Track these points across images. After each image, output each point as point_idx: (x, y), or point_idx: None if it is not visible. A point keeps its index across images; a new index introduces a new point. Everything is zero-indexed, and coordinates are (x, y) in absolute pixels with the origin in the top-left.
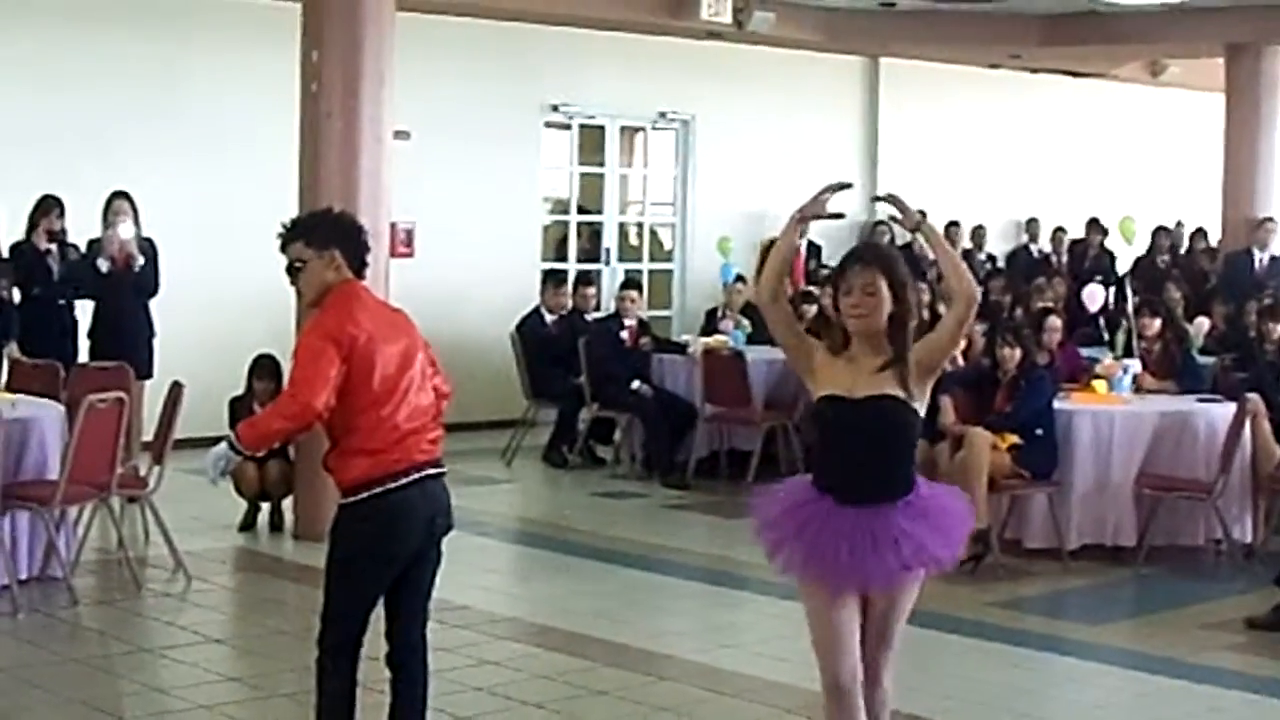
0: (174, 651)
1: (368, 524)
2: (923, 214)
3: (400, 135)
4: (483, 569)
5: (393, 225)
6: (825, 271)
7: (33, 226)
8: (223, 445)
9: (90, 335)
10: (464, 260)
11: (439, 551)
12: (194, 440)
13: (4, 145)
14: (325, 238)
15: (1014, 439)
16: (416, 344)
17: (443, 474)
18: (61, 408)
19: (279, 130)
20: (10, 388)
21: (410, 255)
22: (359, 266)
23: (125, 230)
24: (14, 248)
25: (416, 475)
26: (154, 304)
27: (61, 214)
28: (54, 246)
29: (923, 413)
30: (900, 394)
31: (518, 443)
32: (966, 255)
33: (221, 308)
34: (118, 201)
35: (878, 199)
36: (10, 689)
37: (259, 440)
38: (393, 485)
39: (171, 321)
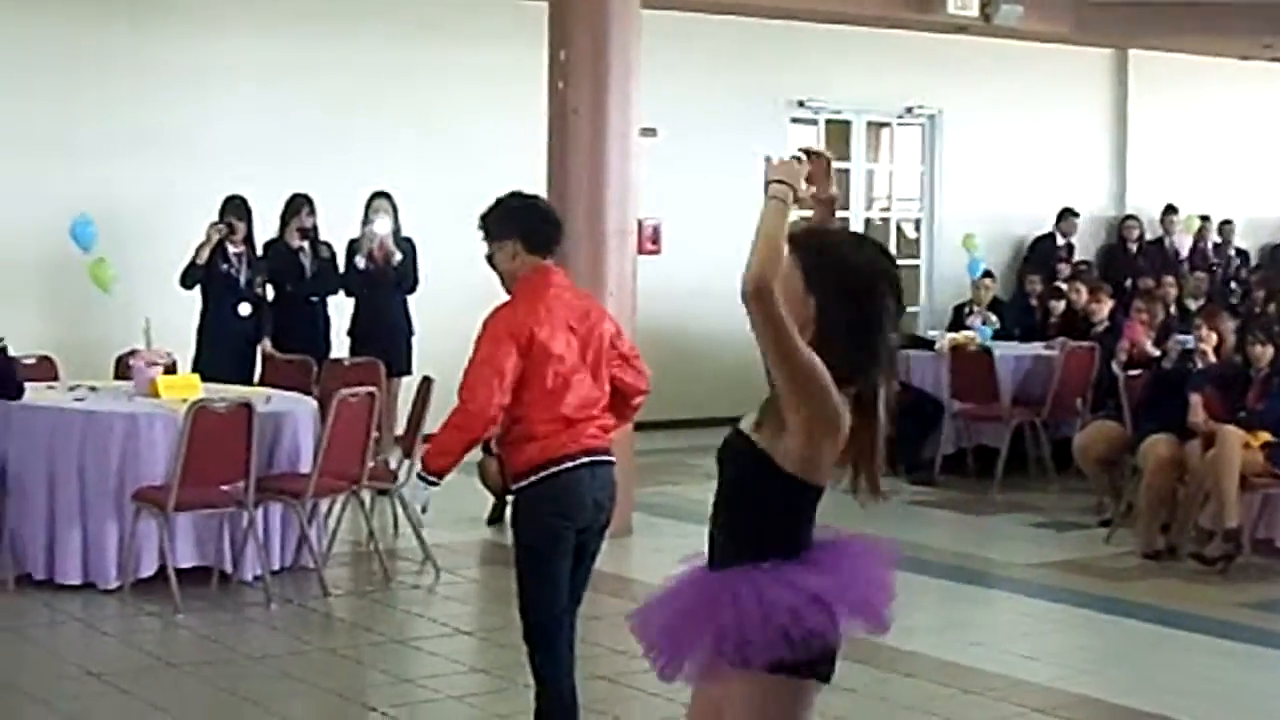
0: (423, 642)
1: (541, 504)
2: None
3: (647, 132)
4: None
5: (640, 222)
6: (1070, 269)
7: (284, 225)
8: (413, 480)
9: (350, 332)
10: (710, 257)
11: (600, 540)
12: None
13: (259, 145)
14: (500, 229)
15: (1266, 437)
16: (602, 334)
17: (610, 463)
18: (314, 402)
19: (528, 127)
20: (264, 382)
21: (657, 252)
22: (544, 249)
23: (383, 227)
24: (267, 246)
25: (585, 459)
26: (412, 301)
27: (312, 212)
28: (306, 244)
29: (803, 474)
30: (759, 440)
31: None
32: (1216, 250)
33: (478, 305)
34: (378, 200)
35: (807, 152)
36: (263, 677)
37: (445, 461)
38: (558, 468)
39: (430, 318)
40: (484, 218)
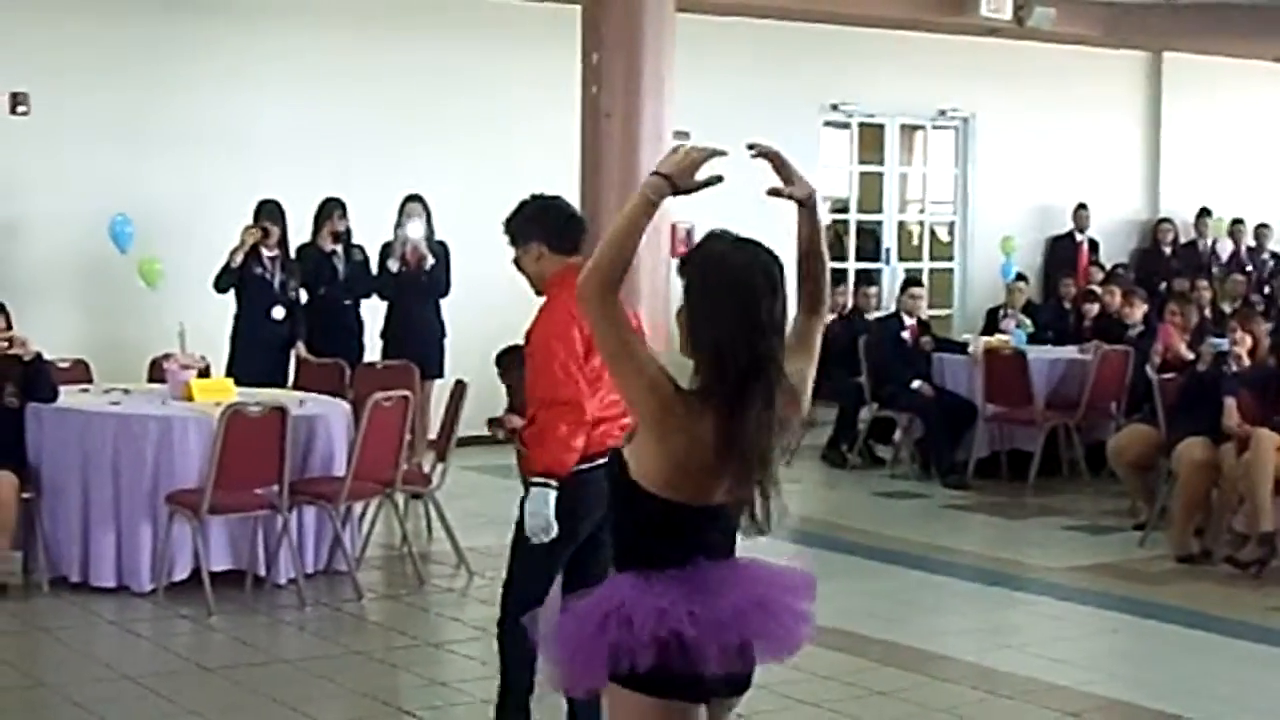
0: (456, 646)
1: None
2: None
3: (680, 135)
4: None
5: (673, 225)
6: (1103, 272)
7: (318, 228)
8: (538, 496)
9: (382, 335)
10: None
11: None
12: (478, 438)
13: (291, 149)
14: (524, 232)
15: None
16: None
17: None
18: (347, 405)
19: (560, 131)
20: (298, 385)
21: None
22: (569, 247)
23: (415, 231)
24: (300, 249)
25: (602, 460)
26: (445, 305)
27: (344, 215)
28: (339, 247)
29: (660, 489)
30: (626, 449)
31: (799, 442)
32: (1251, 253)
33: (510, 309)
34: (411, 204)
35: (751, 147)
36: (296, 680)
37: (566, 462)
38: (579, 468)
39: (463, 322)
40: (507, 223)
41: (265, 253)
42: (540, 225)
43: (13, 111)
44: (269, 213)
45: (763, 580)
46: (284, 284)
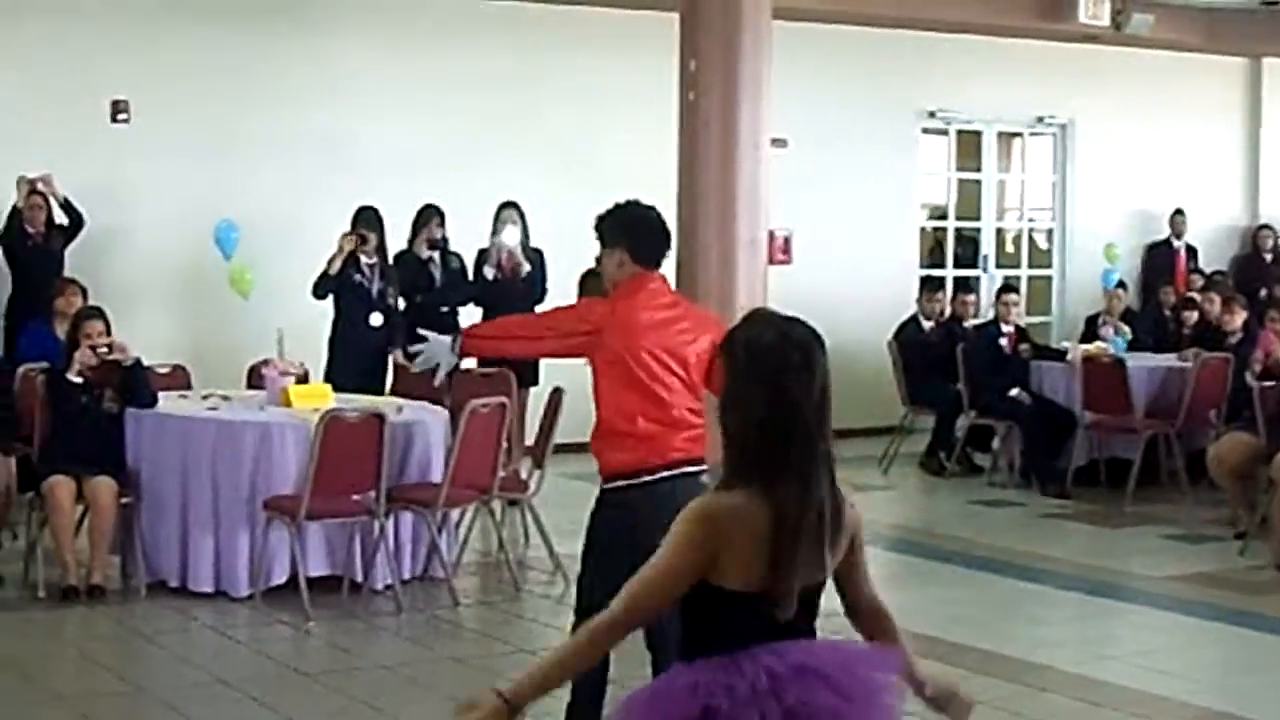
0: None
1: (620, 512)
2: None
3: (777, 143)
4: None
5: (770, 233)
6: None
7: (415, 235)
8: (441, 339)
9: None
10: (841, 267)
11: None
12: (575, 445)
13: (390, 157)
14: (612, 235)
15: None
16: (702, 346)
17: (700, 472)
18: (445, 412)
19: (658, 139)
20: (395, 392)
21: (788, 262)
22: (650, 261)
23: (511, 238)
24: (398, 256)
25: (668, 472)
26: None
27: (442, 223)
28: (436, 255)
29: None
30: None
31: (895, 450)
32: None
33: None
34: (506, 210)
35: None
36: (392, 686)
37: (482, 343)
38: (647, 479)
39: None
40: (599, 221)
41: (363, 260)
42: (629, 233)
43: (113, 119)
44: (366, 220)
45: (816, 651)
46: (382, 291)
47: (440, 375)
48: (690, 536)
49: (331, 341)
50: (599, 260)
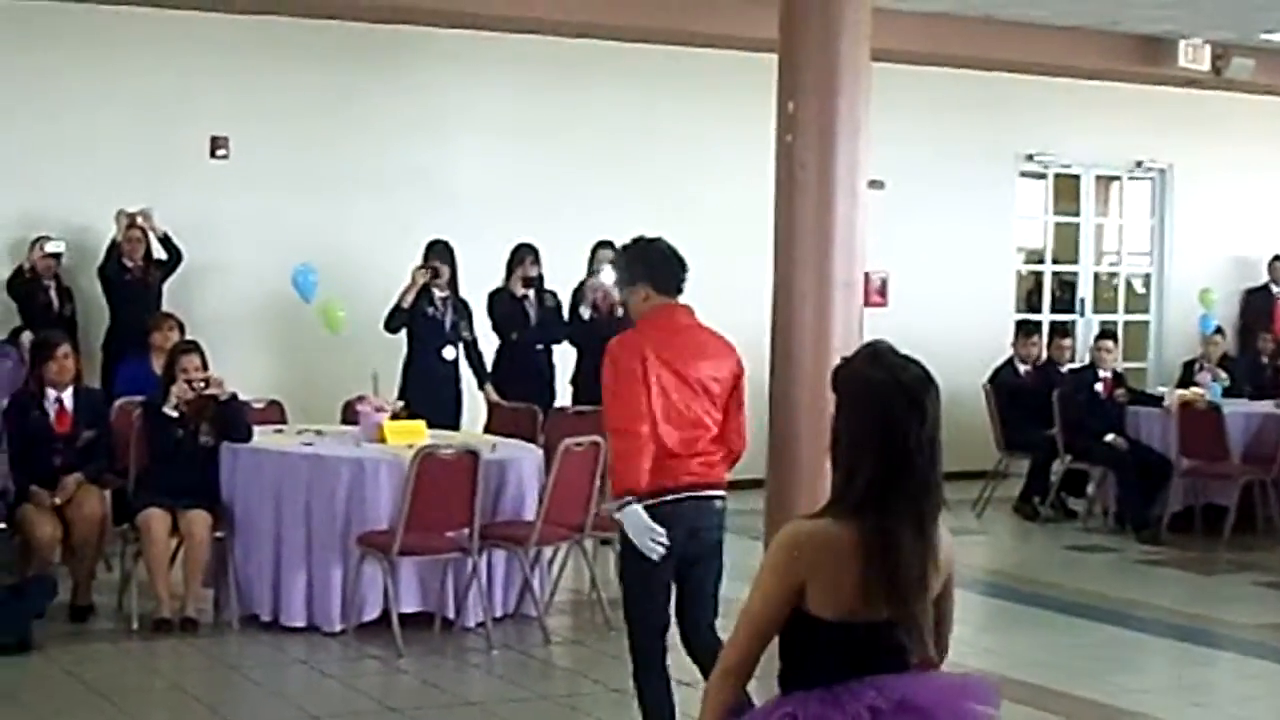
0: None
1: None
2: None
3: (874, 185)
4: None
5: (866, 275)
6: None
7: (510, 273)
8: (627, 514)
9: (573, 381)
10: (937, 310)
11: (720, 559)
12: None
13: (485, 195)
14: (632, 274)
15: None
16: (721, 375)
17: (715, 496)
18: (539, 450)
19: (754, 179)
20: (489, 430)
21: (884, 305)
22: (672, 289)
23: (608, 277)
24: (492, 295)
25: (675, 496)
26: None
27: (536, 261)
28: (530, 293)
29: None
30: None
31: (989, 494)
32: None
33: None
34: (602, 250)
35: None
36: None
37: (634, 483)
38: (651, 502)
39: None
40: (615, 263)
41: (436, 293)
42: (647, 267)
43: (212, 155)
44: (439, 252)
45: (915, 684)
46: (455, 324)
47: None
48: (776, 562)
49: (405, 375)
50: (623, 303)
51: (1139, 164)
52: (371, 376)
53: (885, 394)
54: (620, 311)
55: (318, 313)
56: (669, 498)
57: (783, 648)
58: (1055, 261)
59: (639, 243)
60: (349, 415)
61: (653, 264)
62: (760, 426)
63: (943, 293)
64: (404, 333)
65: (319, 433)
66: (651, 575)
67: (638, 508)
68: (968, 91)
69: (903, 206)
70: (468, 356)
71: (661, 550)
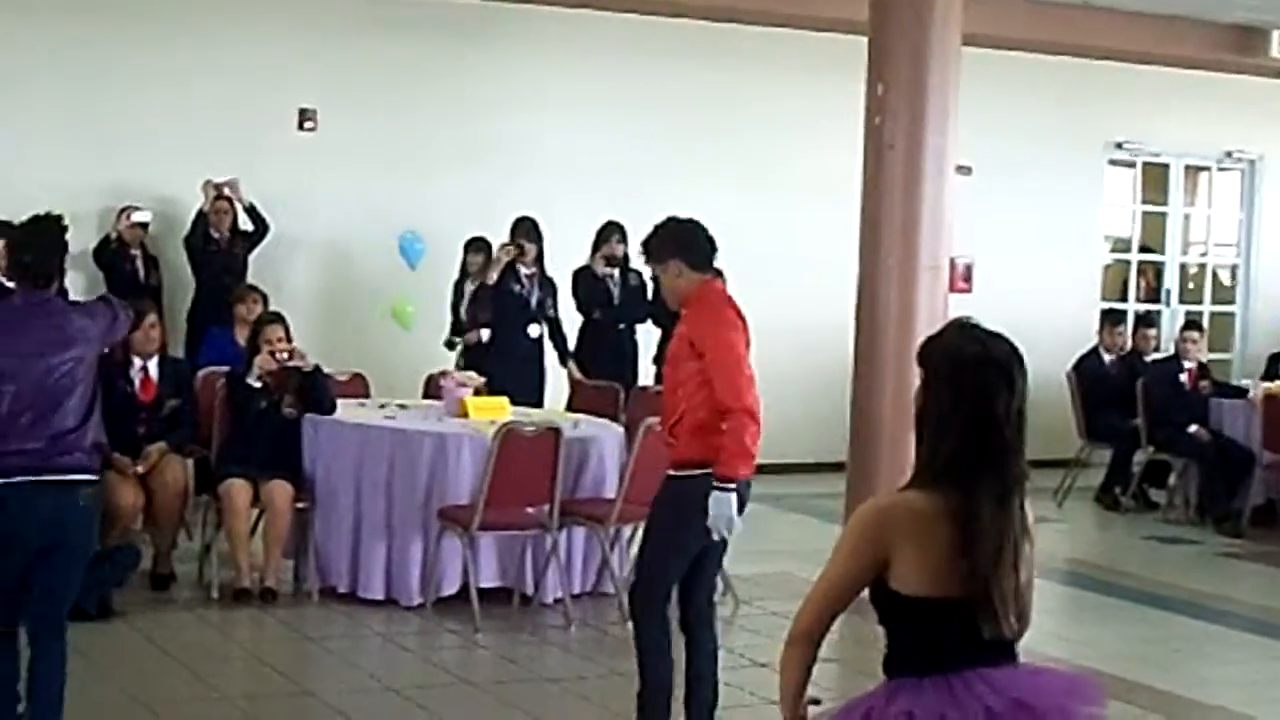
0: (721, 674)
1: (695, 498)
2: None
3: (962, 170)
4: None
5: (952, 260)
6: None
7: (594, 251)
8: (723, 499)
9: (655, 360)
10: (1022, 297)
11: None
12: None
13: (573, 172)
14: (661, 252)
15: None
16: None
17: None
18: (620, 429)
19: (841, 162)
20: (572, 407)
21: (968, 291)
22: (706, 264)
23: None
24: (577, 272)
25: (709, 469)
26: None
27: (623, 239)
28: (614, 271)
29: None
30: None
31: (1070, 483)
32: None
33: (784, 335)
34: None
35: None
36: (560, 700)
37: (745, 463)
38: (695, 471)
39: None
40: (646, 242)
41: (522, 270)
42: (683, 247)
43: (300, 127)
44: (525, 230)
45: (1029, 684)
46: (541, 301)
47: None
48: (857, 537)
49: (489, 351)
50: (655, 278)
51: (1228, 154)
52: (456, 352)
53: (977, 365)
54: None
55: (391, 311)
56: (703, 469)
57: (889, 630)
58: (1142, 251)
59: (667, 223)
60: (431, 390)
61: (684, 242)
62: (841, 409)
63: (1028, 280)
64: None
65: (402, 406)
66: (687, 546)
67: (733, 497)
68: (1057, 77)
69: (990, 192)
70: (551, 334)
71: (729, 537)
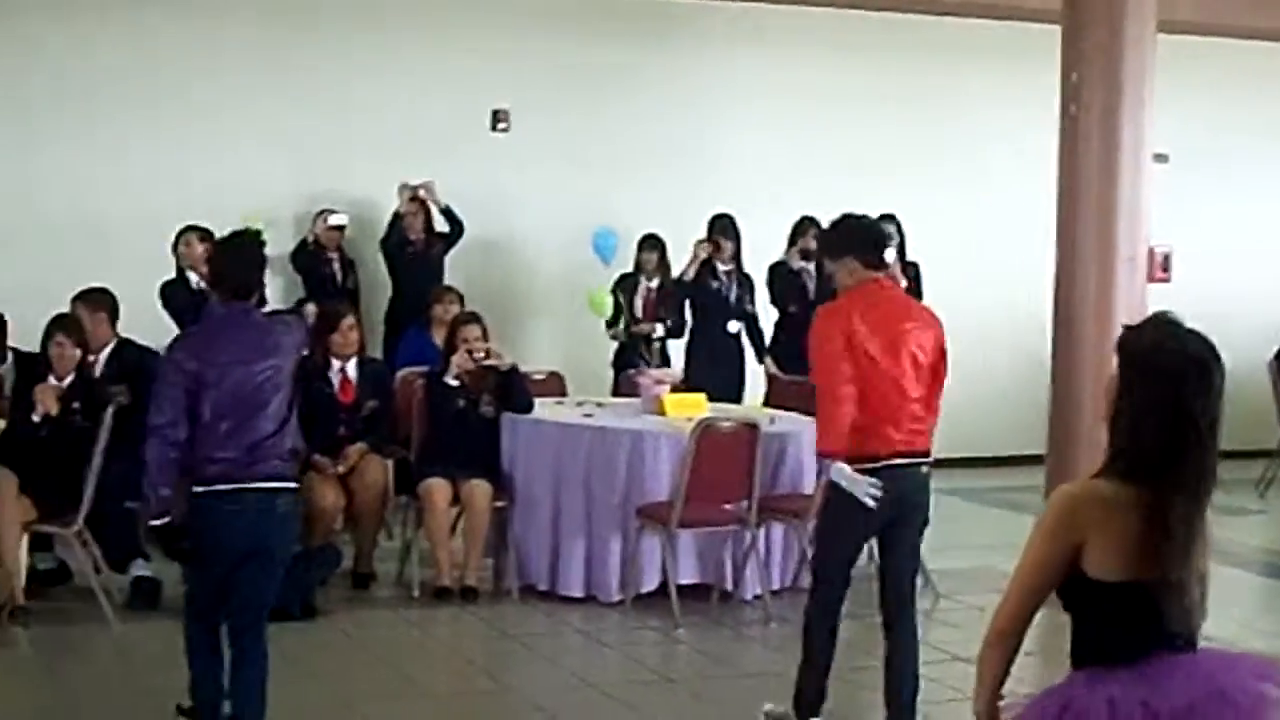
0: (921, 668)
1: (836, 493)
2: None
3: (1159, 158)
4: (1228, 600)
5: (1150, 250)
6: None
7: (790, 246)
8: (834, 470)
9: None
10: (1223, 286)
11: (916, 525)
12: (949, 460)
13: (767, 166)
14: (837, 248)
15: None
16: (926, 344)
17: (916, 464)
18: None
19: (1037, 152)
20: (769, 403)
21: (1167, 280)
22: (878, 263)
23: (889, 254)
24: (772, 267)
25: (881, 463)
26: None
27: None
28: (810, 265)
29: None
30: None
31: (1273, 473)
32: None
33: (982, 327)
34: (884, 224)
35: None
36: (760, 694)
37: (839, 440)
38: (869, 465)
39: None
40: (823, 236)
41: (720, 266)
42: (856, 245)
43: (493, 128)
44: (722, 227)
45: (1222, 669)
46: (740, 298)
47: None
48: (1052, 524)
49: (689, 349)
50: (831, 274)
51: None
52: (652, 349)
53: (1176, 365)
54: (900, 285)
55: (588, 300)
56: (874, 464)
57: (1075, 618)
58: None
59: (846, 220)
60: (624, 388)
61: (858, 239)
62: (1040, 401)
63: (1227, 270)
64: (687, 305)
65: (599, 404)
66: (849, 531)
67: (843, 465)
68: (1254, 63)
69: (1187, 181)
70: (748, 330)
71: (877, 494)
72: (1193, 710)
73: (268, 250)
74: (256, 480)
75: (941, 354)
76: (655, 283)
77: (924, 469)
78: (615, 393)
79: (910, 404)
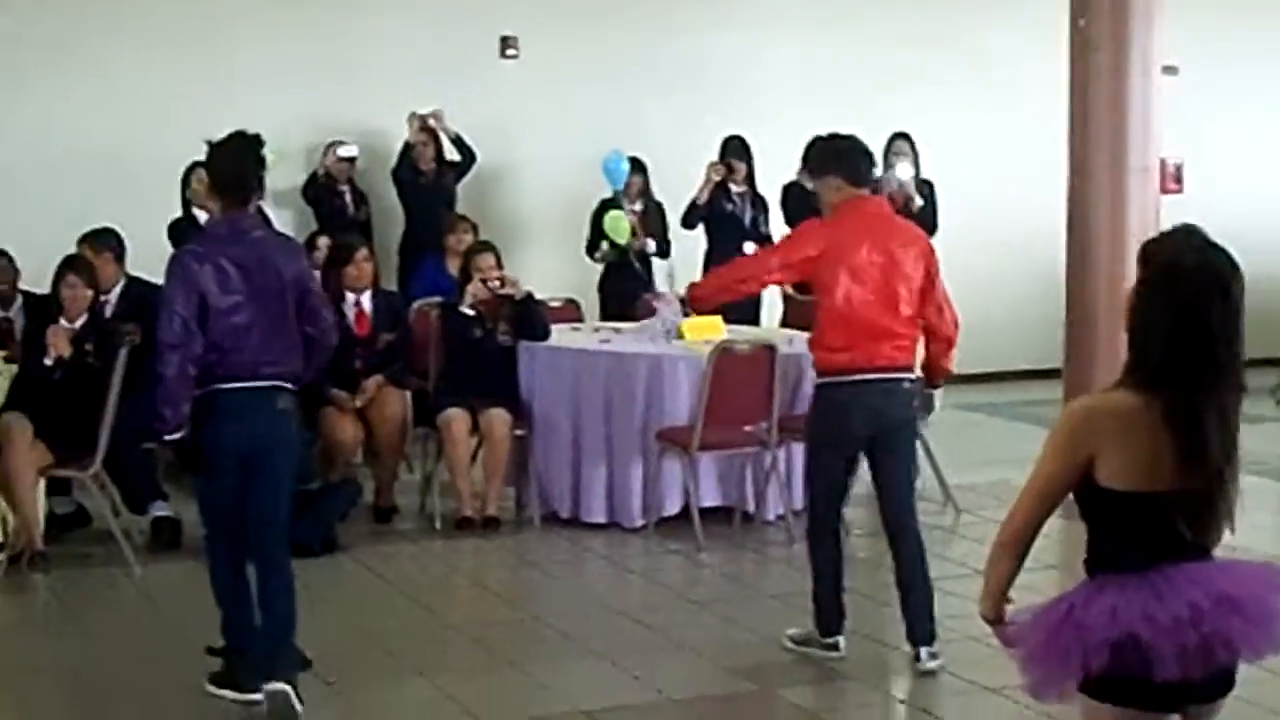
0: (942, 583)
1: (818, 409)
2: None
3: (1169, 70)
4: (1250, 507)
5: (1162, 161)
6: None
7: (803, 165)
8: (674, 304)
9: None
10: (1237, 197)
11: (902, 440)
12: (971, 376)
13: (780, 89)
14: (824, 164)
15: None
16: (913, 263)
17: (897, 380)
18: None
19: (1047, 66)
20: (786, 324)
21: (1179, 191)
22: (864, 180)
23: (904, 171)
24: (786, 187)
25: (857, 377)
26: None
27: None
28: None
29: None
30: None
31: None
32: None
33: (997, 246)
34: (898, 142)
35: None
36: (784, 615)
37: (713, 291)
38: (836, 380)
39: (952, 261)
40: (807, 154)
41: (734, 189)
42: (841, 160)
43: (502, 55)
44: (734, 149)
45: (1229, 576)
46: (754, 220)
47: (671, 336)
48: (1065, 436)
49: (705, 271)
50: (813, 189)
51: None
52: (668, 274)
53: (1195, 278)
54: (915, 205)
55: (606, 226)
56: (846, 378)
57: (1090, 527)
58: None
59: (831, 138)
60: (640, 312)
61: (846, 157)
62: (1056, 315)
63: (1241, 178)
64: (702, 228)
65: (616, 330)
66: (833, 443)
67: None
68: None
69: (1197, 92)
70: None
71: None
72: (1197, 614)
73: (279, 186)
74: (256, 380)
75: (929, 273)
76: (639, 206)
77: (906, 385)
78: (604, 316)
79: (893, 322)
